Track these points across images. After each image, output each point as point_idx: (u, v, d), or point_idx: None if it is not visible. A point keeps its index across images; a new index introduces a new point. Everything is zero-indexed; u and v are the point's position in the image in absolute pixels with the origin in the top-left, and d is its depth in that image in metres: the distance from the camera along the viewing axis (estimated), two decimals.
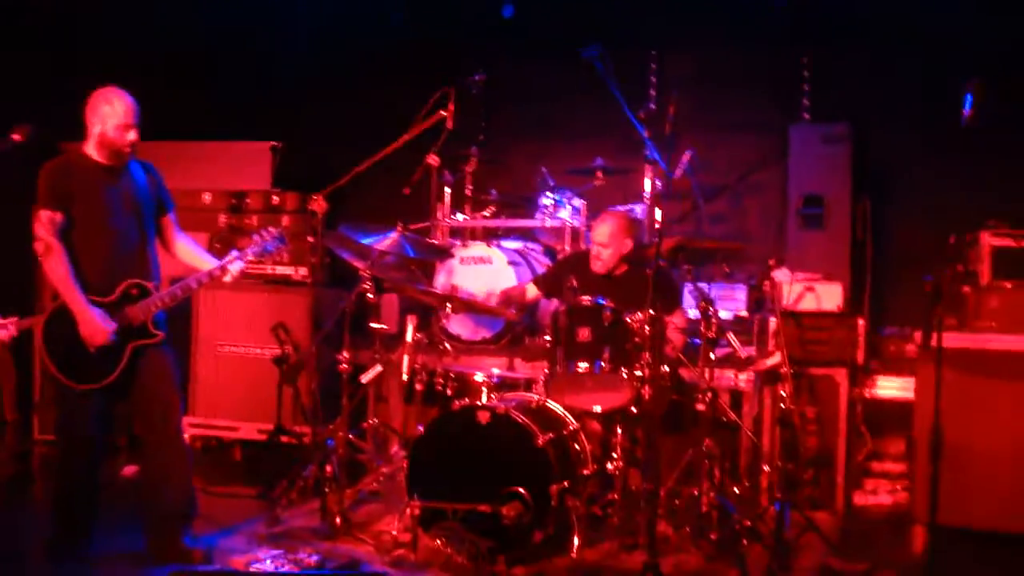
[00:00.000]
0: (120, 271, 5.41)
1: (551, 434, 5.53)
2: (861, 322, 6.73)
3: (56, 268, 5.28)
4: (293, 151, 8.80)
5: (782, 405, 6.13)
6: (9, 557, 5.60)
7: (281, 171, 8.73)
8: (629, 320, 5.76)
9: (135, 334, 5.39)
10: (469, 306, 6.70)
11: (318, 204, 6.46)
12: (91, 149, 5.42)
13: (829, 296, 6.84)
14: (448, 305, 6.42)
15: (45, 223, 5.27)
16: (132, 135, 5.37)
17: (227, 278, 5.62)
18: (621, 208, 7.62)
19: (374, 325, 6.58)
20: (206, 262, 5.64)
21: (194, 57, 9.29)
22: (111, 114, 5.32)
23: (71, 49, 8.84)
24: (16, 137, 5.26)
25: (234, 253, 5.63)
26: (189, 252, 5.74)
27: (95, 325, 5.26)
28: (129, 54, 8.76)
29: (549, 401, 5.90)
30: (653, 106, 8.70)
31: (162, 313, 5.48)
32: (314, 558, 5.40)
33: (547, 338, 6.02)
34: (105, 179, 5.41)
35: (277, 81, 9.69)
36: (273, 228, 5.78)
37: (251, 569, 5.29)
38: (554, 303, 6.88)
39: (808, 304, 6.86)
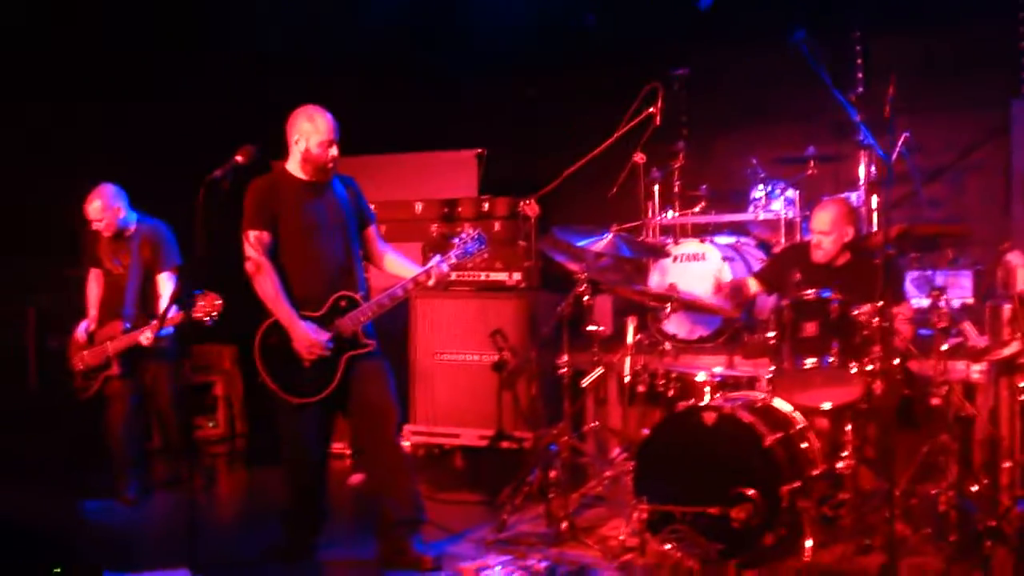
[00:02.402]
0: (328, 285, 5.47)
1: (779, 433, 5.37)
2: None
3: (266, 287, 5.38)
4: (498, 158, 8.89)
5: (1021, 397, 5.82)
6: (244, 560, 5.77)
7: (487, 178, 8.85)
8: (857, 312, 5.57)
9: (347, 345, 5.44)
10: (688, 305, 6.58)
11: (531, 208, 6.43)
12: (293, 166, 5.51)
13: None
14: (668, 305, 6.34)
15: (254, 243, 5.37)
16: (334, 151, 5.44)
17: (431, 283, 5.54)
18: (839, 196, 7.38)
19: (590, 328, 6.55)
20: (411, 270, 5.62)
21: (395, 71, 9.44)
22: (313, 131, 5.40)
23: (278, 67, 9.15)
24: (239, 159, 5.12)
25: (437, 258, 5.55)
26: (394, 262, 5.75)
27: (309, 339, 5.33)
28: (333, 69, 9.05)
29: (774, 399, 5.74)
30: (862, 89, 8.40)
31: (370, 323, 5.51)
32: (543, 564, 5.35)
33: (770, 334, 5.85)
34: (309, 196, 5.49)
35: (478, 89, 9.74)
36: (472, 229, 5.68)
37: None
38: (772, 298, 6.68)
39: None
